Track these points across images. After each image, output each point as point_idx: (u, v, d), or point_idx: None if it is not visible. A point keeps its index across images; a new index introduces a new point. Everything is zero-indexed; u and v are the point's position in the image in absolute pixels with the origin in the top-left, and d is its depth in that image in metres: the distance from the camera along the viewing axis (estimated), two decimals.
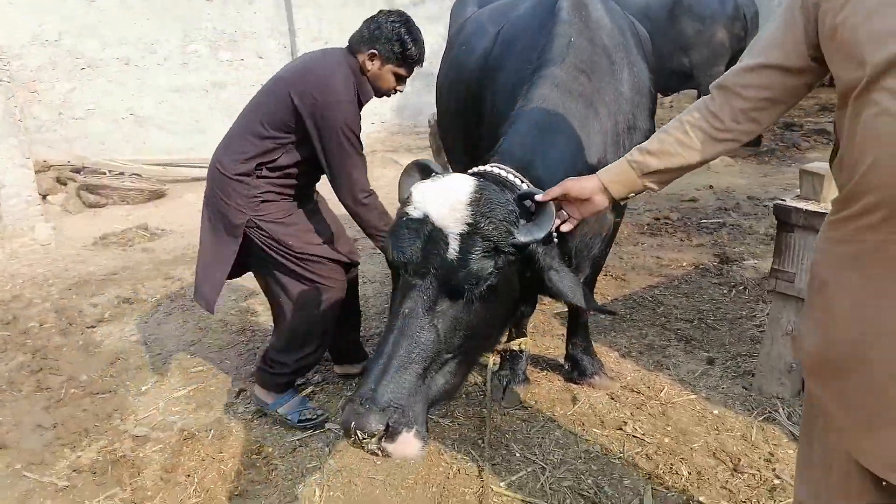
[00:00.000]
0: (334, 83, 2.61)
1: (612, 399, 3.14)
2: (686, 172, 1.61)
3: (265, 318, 4.07)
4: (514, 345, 3.08)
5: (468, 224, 1.60)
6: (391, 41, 2.68)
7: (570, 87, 2.12)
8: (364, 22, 2.76)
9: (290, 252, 2.80)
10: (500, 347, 3.13)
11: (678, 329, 3.75)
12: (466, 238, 1.60)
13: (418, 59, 2.79)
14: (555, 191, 1.73)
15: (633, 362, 3.43)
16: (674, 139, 1.55)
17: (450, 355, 1.65)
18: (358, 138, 2.69)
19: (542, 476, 2.62)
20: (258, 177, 2.76)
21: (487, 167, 1.87)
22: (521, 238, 1.65)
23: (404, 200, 1.75)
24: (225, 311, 4.28)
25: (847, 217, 1.49)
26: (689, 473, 2.61)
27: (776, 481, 2.55)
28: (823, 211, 2.68)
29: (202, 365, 3.65)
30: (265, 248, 2.80)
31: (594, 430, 2.91)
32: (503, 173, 1.82)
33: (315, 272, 2.85)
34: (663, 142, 1.58)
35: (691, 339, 3.64)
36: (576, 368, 3.25)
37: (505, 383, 3.16)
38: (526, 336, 3.17)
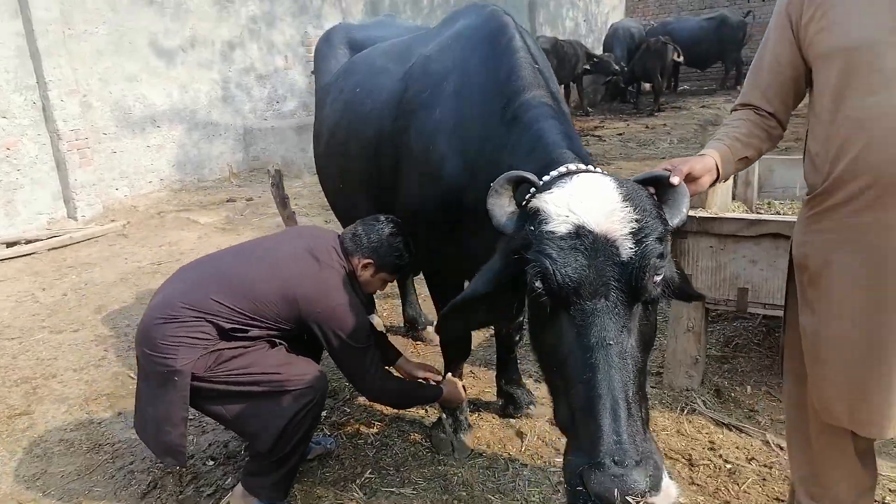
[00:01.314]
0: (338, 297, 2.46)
1: (554, 425, 3.16)
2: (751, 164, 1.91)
3: (121, 423, 3.34)
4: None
5: (635, 222, 1.46)
6: (390, 254, 2.57)
7: (554, 108, 2.13)
8: (363, 227, 2.59)
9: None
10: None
11: None
12: (637, 237, 1.45)
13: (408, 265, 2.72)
14: (684, 170, 1.70)
15: None
16: (748, 132, 1.84)
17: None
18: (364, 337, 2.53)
19: None
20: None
21: (573, 165, 1.73)
22: (674, 223, 1.57)
23: (538, 220, 1.53)
24: (63, 429, 3.42)
25: (833, 206, 1.69)
26: None
27: (728, 465, 2.78)
28: (713, 216, 3.04)
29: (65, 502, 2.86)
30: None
31: (555, 459, 2.90)
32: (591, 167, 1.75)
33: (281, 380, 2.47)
34: (743, 133, 1.83)
35: None
36: (510, 403, 3.23)
37: (452, 435, 3.00)
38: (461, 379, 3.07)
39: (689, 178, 1.74)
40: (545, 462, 2.88)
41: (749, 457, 2.82)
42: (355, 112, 2.93)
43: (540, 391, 3.42)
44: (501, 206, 1.69)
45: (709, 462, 2.80)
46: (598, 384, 1.40)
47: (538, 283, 1.49)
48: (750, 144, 1.86)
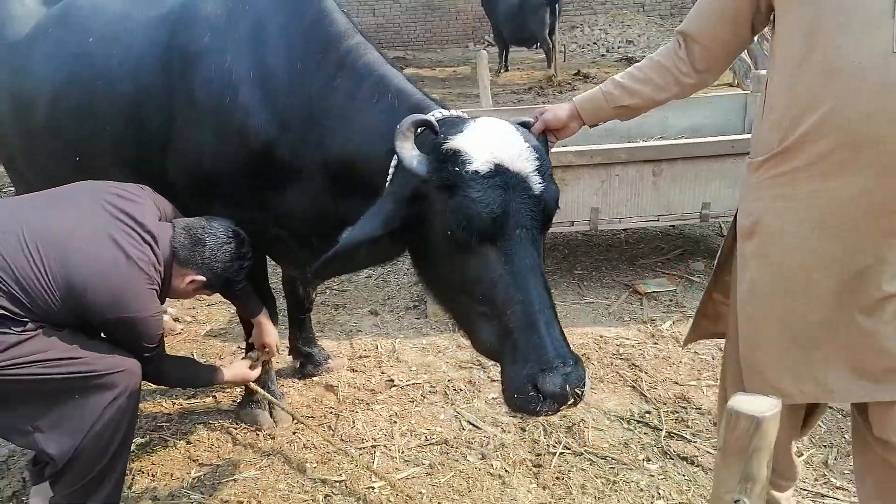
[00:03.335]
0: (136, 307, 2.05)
1: (353, 371, 3.28)
2: (650, 109, 1.92)
3: None
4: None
5: (538, 160, 1.69)
6: (228, 272, 2.23)
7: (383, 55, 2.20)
8: (205, 235, 2.18)
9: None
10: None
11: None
12: (542, 174, 1.69)
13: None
14: (539, 126, 1.93)
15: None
16: (645, 77, 1.80)
17: None
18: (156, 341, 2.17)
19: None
20: None
21: (454, 112, 1.91)
22: None
23: (460, 161, 1.65)
24: None
25: (793, 169, 1.50)
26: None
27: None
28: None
29: None
30: None
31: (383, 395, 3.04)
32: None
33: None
34: (636, 79, 1.83)
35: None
36: (309, 362, 3.21)
37: (268, 407, 2.86)
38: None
39: (549, 128, 1.97)
40: (371, 398, 3.01)
41: None
42: (96, 67, 2.44)
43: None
44: (409, 150, 1.75)
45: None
46: (533, 302, 1.63)
47: (466, 221, 1.63)
48: (637, 93, 1.81)
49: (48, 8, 2.73)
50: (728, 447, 1.11)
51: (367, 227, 1.78)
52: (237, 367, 2.54)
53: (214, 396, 3.11)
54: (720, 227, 4.46)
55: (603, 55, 15.33)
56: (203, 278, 2.19)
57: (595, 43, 16.06)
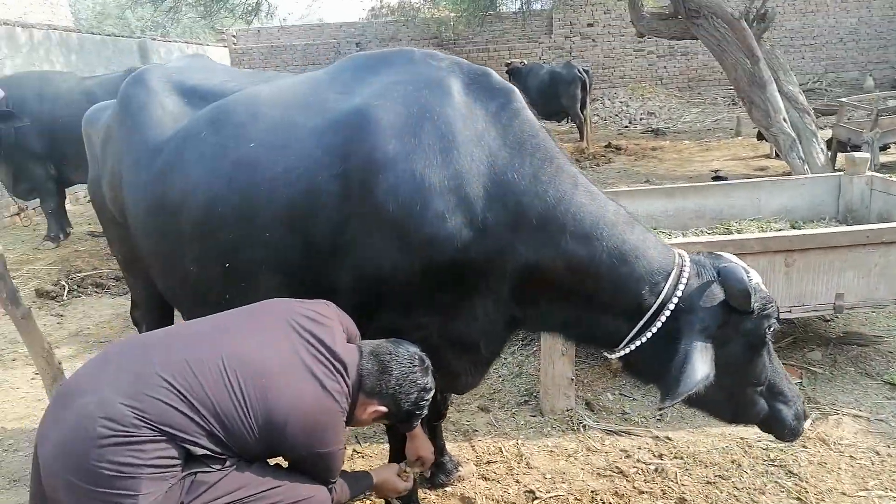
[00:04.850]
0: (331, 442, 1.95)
1: (485, 479, 3.04)
2: None
3: None
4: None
5: None
6: (412, 406, 2.07)
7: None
8: (392, 361, 2.03)
9: None
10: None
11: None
12: None
13: None
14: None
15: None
16: None
17: None
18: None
19: None
20: None
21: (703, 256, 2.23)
22: None
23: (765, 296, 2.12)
24: None
25: None
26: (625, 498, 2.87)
27: (651, 466, 3.08)
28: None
29: None
30: None
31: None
32: None
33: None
34: None
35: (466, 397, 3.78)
36: (441, 471, 2.98)
37: None
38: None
39: None
40: None
41: (657, 453, 3.18)
42: (258, 173, 2.30)
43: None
44: (743, 290, 2.04)
45: (636, 469, 3.06)
46: (777, 367, 2.29)
47: (773, 332, 2.16)
48: None
49: (191, 109, 2.64)
50: None
51: (704, 368, 1.96)
52: (387, 476, 2.37)
53: None
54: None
55: (626, 126, 15.57)
56: (385, 409, 2.02)
57: (617, 115, 16.34)
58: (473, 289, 2.19)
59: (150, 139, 2.60)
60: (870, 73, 16.23)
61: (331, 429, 1.88)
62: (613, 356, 2.19)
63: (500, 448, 3.28)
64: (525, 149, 2.13)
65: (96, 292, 5.92)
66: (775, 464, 3.04)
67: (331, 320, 2.03)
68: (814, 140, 8.21)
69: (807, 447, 3.14)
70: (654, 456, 3.15)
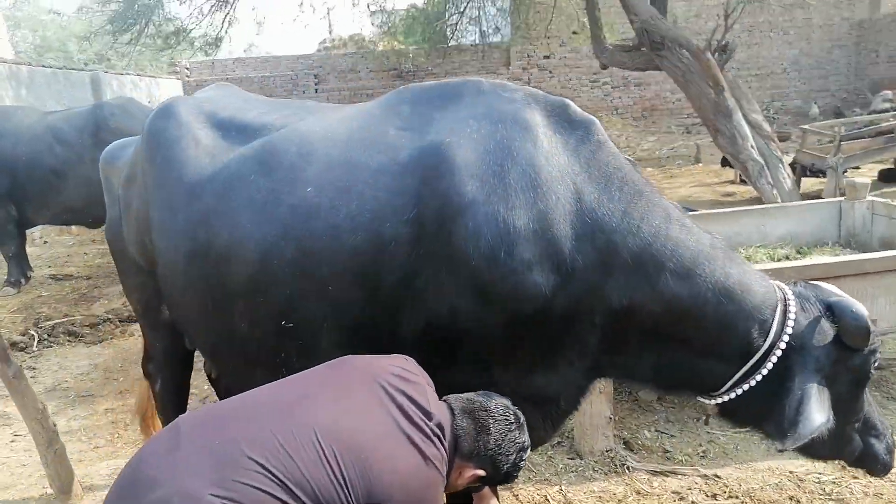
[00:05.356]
0: None
1: None
2: None
3: None
4: None
5: None
6: (510, 467, 1.86)
7: None
8: (489, 420, 1.83)
9: None
10: None
11: None
12: None
13: None
14: None
15: None
16: None
17: None
18: None
19: None
20: None
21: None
22: None
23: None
24: None
25: None
26: None
27: (720, 502, 2.97)
28: None
29: None
30: None
31: None
32: None
33: None
34: None
35: None
36: None
37: None
38: None
39: None
40: None
41: (710, 493, 3.07)
42: (319, 220, 2.09)
43: None
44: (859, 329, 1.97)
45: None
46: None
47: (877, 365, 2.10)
48: None
49: (229, 144, 2.41)
50: None
51: (823, 412, 1.88)
52: None
53: None
54: None
55: None
56: (483, 472, 1.83)
57: None
58: (557, 340, 2.04)
59: (185, 178, 2.37)
60: (814, 102, 17.02)
61: (432, 501, 1.70)
62: (713, 402, 2.07)
63: (546, 496, 3.11)
64: (612, 183, 2.02)
65: (69, 341, 5.50)
66: (832, 497, 2.97)
67: (417, 376, 1.85)
68: (780, 166, 8.44)
69: (858, 478, 3.08)
70: (708, 496, 3.04)
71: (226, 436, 1.57)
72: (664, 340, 2.02)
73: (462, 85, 2.24)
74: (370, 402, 1.71)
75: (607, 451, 3.42)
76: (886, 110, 11.54)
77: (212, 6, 10.41)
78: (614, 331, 2.02)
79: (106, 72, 14.60)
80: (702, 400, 2.13)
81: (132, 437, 3.92)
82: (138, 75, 16.32)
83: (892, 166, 9.75)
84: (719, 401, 2.05)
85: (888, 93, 13.14)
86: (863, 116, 11.16)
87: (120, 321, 5.84)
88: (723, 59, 9.07)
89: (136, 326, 5.78)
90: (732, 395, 2.00)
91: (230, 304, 2.24)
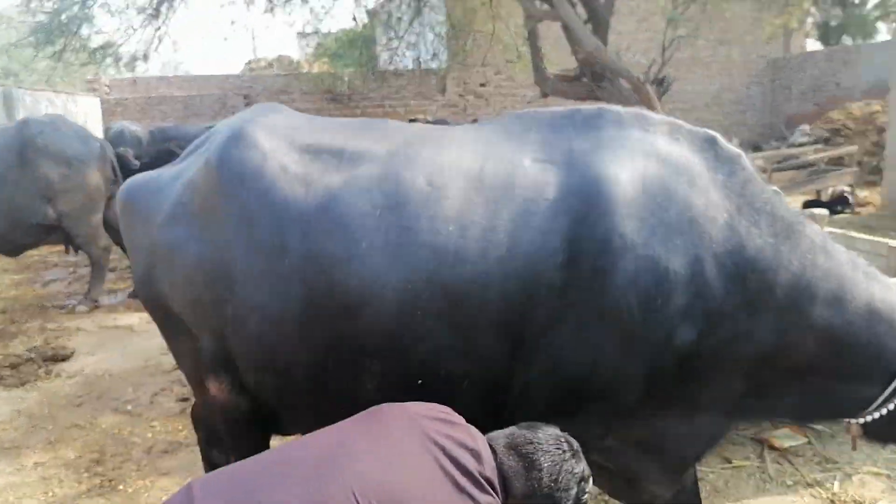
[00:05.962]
0: None
1: None
2: None
3: None
4: None
5: None
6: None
7: None
8: (541, 453, 1.63)
9: None
10: None
11: None
12: None
13: None
14: None
15: None
16: None
17: None
18: None
19: None
20: None
21: None
22: None
23: None
24: None
25: None
26: None
27: None
28: None
29: None
30: None
31: None
32: None
33: None
34: None
35: None
36: None
37: None
38: None
39: None
40: None
41: None
42: (466, 265, 1.86)
43: None
44: None
45: None
46: None
47: None
48: None
49: (325, 171, 2.06)
50: None
51: None
52: None
53: None
54: None
55: None
56: None
57: None
58: (697, 389, 1.92)
59: (282, 214, 2.02)
60: (734, 135, 17.96)
61: None
62: (859, 421, 1.98)
63: None
64: (762, 218, 1.92)
65: None
66: None
67: (459, 417, 1.68)
68: None
69: None
70: None
71: (251, 501, 1.34)
72: (813, 373, 1.94)
73: (598, 115, 2.08)
74: (416, 451, 1.53)
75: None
76: (804, 143, 12.32)
77: (143, 20, 9.89)
78: (761, 373, 1.92)
79: (19, 87, 13.64)
80: (847, 421, 2.04)
81: (69, 495, 3.48)
82: (55, 92, 15.34)
83: (815, 197, 10.32)
84: (866, 419, 1.97)
85: (806, 127, 14.05)
86: (791, 150, 11.82)
87: (44, 360, 5.27)
88: (660, 91, 9.40)
89: (63, 366, 5.27)
90: (880, 414, 1.93)
91: (357, 364, 1.95)
